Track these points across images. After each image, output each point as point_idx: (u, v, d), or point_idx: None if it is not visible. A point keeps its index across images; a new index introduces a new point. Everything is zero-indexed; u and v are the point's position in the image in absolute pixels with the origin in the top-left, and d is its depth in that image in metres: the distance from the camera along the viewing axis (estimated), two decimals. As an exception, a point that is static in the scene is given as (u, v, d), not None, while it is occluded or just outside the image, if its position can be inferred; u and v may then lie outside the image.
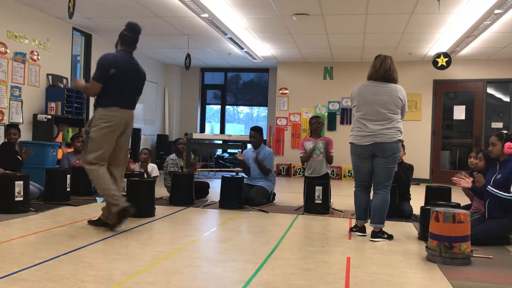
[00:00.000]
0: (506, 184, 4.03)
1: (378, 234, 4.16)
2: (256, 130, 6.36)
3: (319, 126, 6.01)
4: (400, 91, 4.15)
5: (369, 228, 4.27)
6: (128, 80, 4.30)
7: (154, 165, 6.66)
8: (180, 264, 3.14)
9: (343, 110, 10.89)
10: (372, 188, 4.28)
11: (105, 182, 4.14)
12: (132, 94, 4.36)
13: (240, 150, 6.88)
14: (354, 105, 4.24)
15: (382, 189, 4.16)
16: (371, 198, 4.31)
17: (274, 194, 6.46)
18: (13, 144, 5.72)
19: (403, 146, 5.65)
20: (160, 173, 7.32)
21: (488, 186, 4.10)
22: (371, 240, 4.11)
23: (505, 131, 4.27)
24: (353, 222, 4.88)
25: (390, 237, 4.17)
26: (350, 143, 4.28)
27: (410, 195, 5.64)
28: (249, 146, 6.87)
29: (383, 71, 4.16)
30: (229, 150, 12.25)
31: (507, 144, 4.10)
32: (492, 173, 4.25)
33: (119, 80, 4.21)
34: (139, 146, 10.13)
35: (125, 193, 5.04)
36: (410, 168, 5.60)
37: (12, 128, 5.71)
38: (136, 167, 6.70)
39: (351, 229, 4.46)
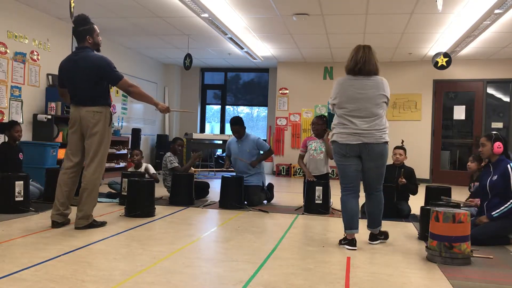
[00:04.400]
0: (506, 192, 4.04)
1: (376, 236, 3.99)
2: (238, 124, 6.20)
3: (316, 128, 5.87)
4: (386, 84, 3.80)
5: (363, 234, 4.22)
6: (69, 78, 4.25)
7: (149, 165, 6.64)
8: (180, 264, 3.14)
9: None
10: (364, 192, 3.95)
11: (59, 186, 4.23)
12: (75, 90, 4.23)
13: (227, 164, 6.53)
14: (334, 103, 3.83)
15: (375, 192, 3.89)
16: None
17: (271, 187, 6.45)
18: (15, 142, 5.67)
19: (404, 149, 5.65)
20: (159, 173, 7.32)
21: (492, 214, 4.05)
22: (370, 243, 3.96)
23: (494, 132, 4.30)
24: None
25: (386, 235, 4.05)
26: (333, 141, 3.87)
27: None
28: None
29: (353, 64, 3.80)
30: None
31: (496, 143, 4.11)
32: (487, 175, 4.24)
33: (64, 79, 4.33)
34: (139, 146, 10.14)
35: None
36: (412, 172, 5.57)
37: (17, 125, 5.64)
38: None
39: (340, 242, 3.92)
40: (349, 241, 3.82)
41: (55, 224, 4.17)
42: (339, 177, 3.91)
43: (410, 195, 5.64)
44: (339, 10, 6.90)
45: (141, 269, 2.97)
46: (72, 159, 4.22)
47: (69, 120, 4.26)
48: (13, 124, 5.66)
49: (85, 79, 4.14)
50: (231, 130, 6.28)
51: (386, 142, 3.77)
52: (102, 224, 4.32)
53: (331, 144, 3.93)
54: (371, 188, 3.88)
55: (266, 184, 6.50)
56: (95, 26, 4.33)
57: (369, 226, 3.97)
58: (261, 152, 6.26)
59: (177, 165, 6.34)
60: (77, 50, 4.28)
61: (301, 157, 6.00)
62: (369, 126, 3.70)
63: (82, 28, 4.24)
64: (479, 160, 5.27)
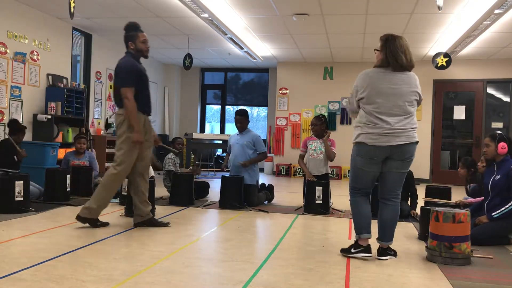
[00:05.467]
0: (508, 192, 4.03)
1: (387, 251, 3.52)
2: (242, 115, 6.20)
3: (314, 128, 5.85)
4: (417, 80, 3.53)
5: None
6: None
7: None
8: (180, 264, 3.14)
9: (343, 110, 10.88)
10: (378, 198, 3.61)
11: None
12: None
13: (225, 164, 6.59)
14: (362, 97, 3.40)
15: (393, 199, 3.49)
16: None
17: (272, 187, 6.45)
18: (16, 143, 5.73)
19: None
20: (159, 173, 7.31)
21: (492, 215, 4.05)
22: (378, 259, 3.47)
23: (498, 132, 4.29)
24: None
25: (395, 252, 3.58)
26: (358, 142, 3.40)
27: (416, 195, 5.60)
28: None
29: (401, 60, 3.37)
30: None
31: (501, 144, 4.11)
32: (490, 174, 4.24)
33: None
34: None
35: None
36: (410, 175, 5.54)
37: (24, 130, 5.84)
38: None
39: (349, 252, 3.51)
40: (364, 248, 3.46)
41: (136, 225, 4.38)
42: (351, 178, 3.54)
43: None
44: (339, 10, 6.90)
45: (141, 269, 2.97)
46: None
47: None
48: (23, 128, 5.83)
49: (114, 82, 4.34)
50: (235, 120, 6.28)
51: (417, 142, 3.42)
52: (104, 224, 4.32)
53: (356, 145, 3.46)
54: (390, 194, 3.49)
55: (267, 185, 6.51)
56: (141, 33, 4.42)
57: (380, 239, 3.52)
58: (257, 151, 6.18)
59: (172, 169, 6.33)
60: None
61: (301, 157, 6.00)
62: (401, 125, 3.34)
63: (125, 34, 4.42)
64: (468, 166, 5.41)
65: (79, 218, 4.18)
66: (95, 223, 4.23)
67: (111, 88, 9.53)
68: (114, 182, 4.29)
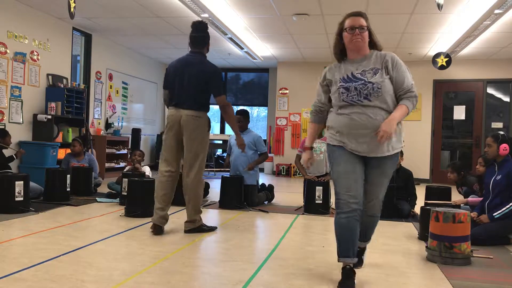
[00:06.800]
0: (508, 192, 4.04)
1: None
2: (241, 114, 6.22)
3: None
4: None
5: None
6: (177, 78, 4.20)
7: (147, 167, 6.61)
8: (180, 264, 3.14)
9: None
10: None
11: (156, 191, 4.21)
12: (180, 92, 4.18)
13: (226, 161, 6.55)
14: None
15: None
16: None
17: (272, 188, 6.45)
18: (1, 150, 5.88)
19: (401, 152, 5.64)
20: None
21: (493, 215, 4.05)
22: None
23: (501, 132, 4.28)
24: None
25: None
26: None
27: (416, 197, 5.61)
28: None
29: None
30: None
31: (503, 145, 4.10)
32: (491, 174, 4.25)
33: (170, 79, 4.26)
34: (139, 146, 10.14)
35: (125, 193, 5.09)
36: (410, 176, 5.55)
37: (8, 135, 5.98)
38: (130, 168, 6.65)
39: (358, 264, 3.06)
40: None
41: (156, 228, 4.07)
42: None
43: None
44: (339, 10, 6.89)
45: (141, 269, 2.97)
46: (167, 165, 4.16)
47: (167, 123, 4.23)
48: (6, 133, 5.95)
49: (195, 83, 4.11)
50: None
51: None
52: (212, 228, 4.29)
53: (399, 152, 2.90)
54: None
55: (267, 185, 6.51)
56: None
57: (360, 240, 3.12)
58: (258, 151, 6.19)
59: None
60: (192, 54, 4.23)
61: (299, 157, 6.01)
62: None
63: (205, 34, 4.25)
64: (458, 170, 5.45)
65: (186, 232, 4.15)
66: (204, 230, 4.21)
67: (111, 88, 9.53)
68: (201, 187, 4.19)
